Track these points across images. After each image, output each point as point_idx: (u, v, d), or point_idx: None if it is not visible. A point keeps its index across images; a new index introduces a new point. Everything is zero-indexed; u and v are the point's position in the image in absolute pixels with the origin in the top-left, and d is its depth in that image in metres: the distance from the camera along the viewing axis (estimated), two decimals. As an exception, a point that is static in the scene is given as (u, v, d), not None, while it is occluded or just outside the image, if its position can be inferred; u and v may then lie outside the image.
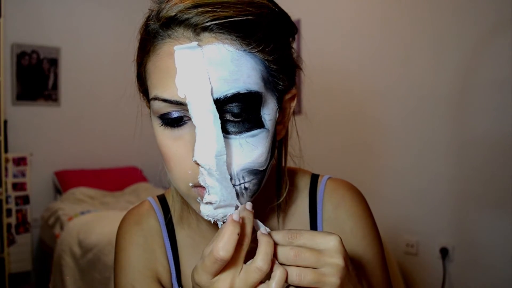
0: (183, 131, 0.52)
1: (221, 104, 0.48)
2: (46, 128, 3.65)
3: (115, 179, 3.79)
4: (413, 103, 2.37)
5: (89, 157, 3.81)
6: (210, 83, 0.47)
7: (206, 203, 0.51)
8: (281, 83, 0.54)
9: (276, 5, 0.56)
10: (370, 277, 0.66)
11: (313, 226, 0.68)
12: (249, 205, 0.50)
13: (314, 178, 0.71)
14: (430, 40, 2.29)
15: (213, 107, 0.47)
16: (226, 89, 0.48)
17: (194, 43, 0.48)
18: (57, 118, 3.70)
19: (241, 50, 0.49)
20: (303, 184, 0.71)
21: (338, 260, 0.47)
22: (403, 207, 2.41)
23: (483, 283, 2.09)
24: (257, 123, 0.51)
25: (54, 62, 3.67)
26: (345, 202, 0.69)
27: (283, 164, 0.64)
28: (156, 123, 0.53)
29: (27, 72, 3.58)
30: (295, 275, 0.47)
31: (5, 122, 2.94)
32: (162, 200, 0.72)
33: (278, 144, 0.63)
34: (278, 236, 0.49)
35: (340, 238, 0.49)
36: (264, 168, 0.53)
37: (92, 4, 3.81)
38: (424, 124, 2.33)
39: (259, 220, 0.53)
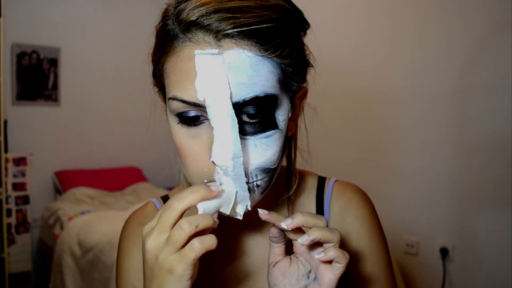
0: (200, 130, 0.53)
1: (239, 107, 0.50)
2: (46, 128, 3.65)
3: (115, 179, 3.79)
4: (414, 104, 2.37)
5: (89, 157, 3.81)
6: (230, 88, 0.48)
7: None
8: (295, 84, 0.56)
9: (291, 3, 0.57)
10: (376, 279, 0.67)
11: None
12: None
13: (321, 180, 0.72)
14: (432, 41, 2.29)
15: (231, 111, 0.48)
16: (244, 94, 0.49)
17: (216, 50, 0.49)
18: (57, 118, 3.70)
19: (260, 55, 0.50)
20: (311, 185, 0.72)
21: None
22: (403, 207, 2.41)
23: (483, 283, 2.09)
24: (272, 124, 0.53)
25: (54, 62, 3.67)
26: (352, 204, 0.70)
27: (293, 158, 0.66)
28: (173, 120, 0.54)
29: (27, 72, 3.58)
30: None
31: (5, 122, 2.94)
32: (166, 200, 0.73)
33: (288, 139, 0.64)
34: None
35: None
36: (276, 166, 0.55)
37: (92, 4, 3.81)
38: (424, 125, 2.33)
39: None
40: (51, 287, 2.86)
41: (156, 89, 0.61)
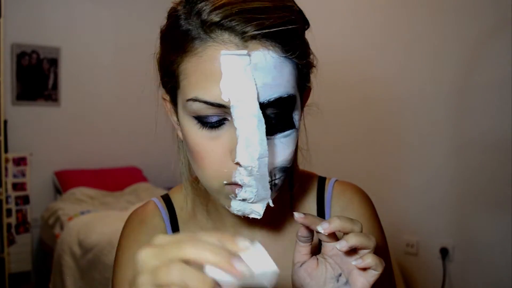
0: (220, 131, 0.53)
1: (263, 107, 0.50)
2: (46, 128, 3.65)
3: (115, 179, 3.79)
4: (414, 103, 2.37)
5: (89, 157, 3.81)
6: (257, 89, 0.49)
7: (240, 200, 0.53)
8: (306, 84, 0.58)
9: (295, 3, 0.57)
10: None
11: None
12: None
13: (321, 180, 0.72)
14: (430, 41, 2.29)
15: (258, 112, 0.49)
16: (269, 94, 0.50)
17: (244, 51, 0.49)
18: (57, 118, 3.70)
19: (282, 56, 0.51)
20: (311, 185, 0.72)
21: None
22: (404, 207, 2.41)
23: (483, 283, 2.09)
24: (289, 124, 0.54)
25: (54, 62, 3.67)
26: (353, 204, 0.70)
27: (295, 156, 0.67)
28: (191, 122, 0.53)
29: (27, 72, 3.57)
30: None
31: (5, 122, 2.94)
32: (167, 200, 0.72)
33: None
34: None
35: None
36: (291, 165, 0.56)
37: (92, 4, 3.81)
38: (424, 124, 2.33)
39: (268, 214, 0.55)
40: (51, 287, 2.86)
41: (163, 90, 0.59)
